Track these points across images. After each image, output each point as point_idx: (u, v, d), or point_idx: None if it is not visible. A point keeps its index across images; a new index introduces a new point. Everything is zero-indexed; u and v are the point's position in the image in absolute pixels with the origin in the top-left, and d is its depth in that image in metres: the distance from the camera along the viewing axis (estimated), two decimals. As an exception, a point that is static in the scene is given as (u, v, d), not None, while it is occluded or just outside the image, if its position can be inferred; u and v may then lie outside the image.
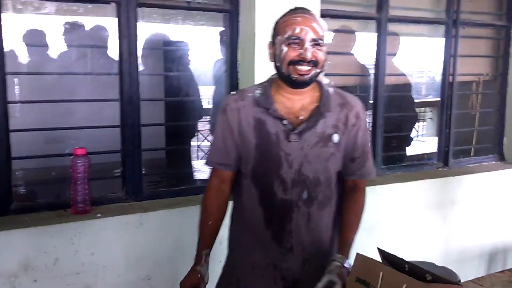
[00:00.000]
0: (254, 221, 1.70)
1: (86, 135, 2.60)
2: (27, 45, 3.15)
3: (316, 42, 1.57)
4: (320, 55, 1.58)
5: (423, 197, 3.19)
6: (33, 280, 2.15)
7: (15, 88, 2.68)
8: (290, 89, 1.64)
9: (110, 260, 2.30)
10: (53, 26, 3.27)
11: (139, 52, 2.45)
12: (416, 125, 4.78)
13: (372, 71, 3.25)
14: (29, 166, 2.52)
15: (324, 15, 2.68)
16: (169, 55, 3.53)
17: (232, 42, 2.66)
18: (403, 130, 3.72)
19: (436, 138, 3.58)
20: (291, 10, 1.64)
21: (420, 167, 3.46)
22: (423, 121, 6.87)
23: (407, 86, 3.83)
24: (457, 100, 3.48)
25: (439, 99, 3.52)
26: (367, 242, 2.78)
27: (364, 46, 3.43)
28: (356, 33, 3.49)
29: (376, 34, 3.12)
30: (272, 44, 1.65)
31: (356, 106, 1.71)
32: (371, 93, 3.25)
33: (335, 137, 1.66)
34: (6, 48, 2.21)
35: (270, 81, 1.71)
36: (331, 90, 1.70)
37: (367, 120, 1.75)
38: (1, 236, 2.10)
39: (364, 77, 3.50)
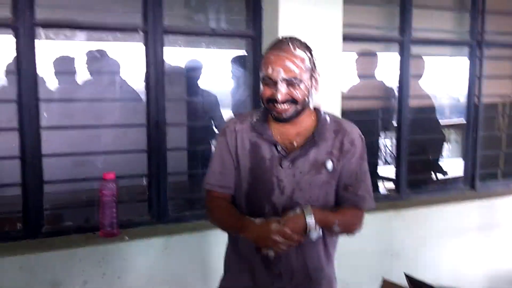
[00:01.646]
0: (245, 245, 1.67)
1: (112, 159, 2.66)
2: (56, 72, 3.25)
3: (290, 82, 1.56)
4: (297, 94, 1.57)
5: (449, 221, 3.14)
6: (62, 302, 2.18)
7: (44, 114, 2.76)
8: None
9: (135, 284, 2.33)
10: (83, 53, 3.38)
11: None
12: (443, 147, 4.72)
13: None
14: (58, 190, 2.57)
15: (346, 38, 2.72)
16: (191, 79, 3.60)
17: (255, 66, 2.70)
18: (429, 153, 3.68)
19: (461, 160, 3.53)
20: (272, 45, 1.63)
21: (446, 191, 3.41)
22: (448, 143, 6.79)
23: (432, 108, 3.81)
24: (483, 122, 3.44)
25: (462, 120, 3.49)
26: (393, 268, 2.78)
27: (389, 68, 3.42)
28: (380, 54, 3.50)
29: (399, 56, 3.12)
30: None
31: (352, 133, 1.70)
32: (395, 116, 3.24)
33: (329, 164, 1.64)
34: (38, 75, 2.29)
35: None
36: (328, 117, 1.70)
37: (364, 148, 1.71)
38: (32, 259, 2.15)
39: (388, 99, 3.49)
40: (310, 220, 1.53)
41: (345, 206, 1.70)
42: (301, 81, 1.57)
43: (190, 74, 3.60)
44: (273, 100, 1.57)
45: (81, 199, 2.69)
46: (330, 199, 1.69)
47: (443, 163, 4.24)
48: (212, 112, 3.62)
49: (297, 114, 1.61)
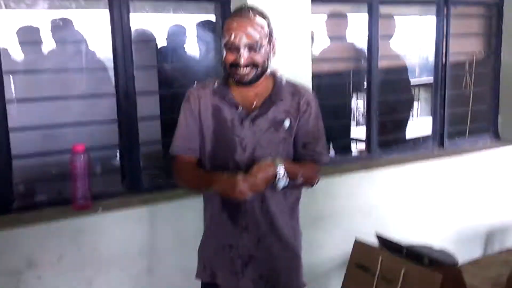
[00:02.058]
0: (212, 204, 1.83)
1: (83, 130, 2.61)
2: (21, 43, 3.13)
3: (252, 47, 1.67)
4: (258, 58, 1.69)
5: (419, 179, 3.22)
6: (37, 277, 2.18)
7: (11, 87, 2.68)
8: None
9: (112, 255, 2.33)
10: (46, 22, 3.26)
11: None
12: (412, 107, 4.79)
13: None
14: (28, 164, 2.53)
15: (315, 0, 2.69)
16: (160, 47, 3.53)
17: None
18: (399, 113, 3.73)
19: (431, 119, 3.59)
20: (233, 13, 1.78)
21: (415, 150, 3.49)
22: (417, 102, 6.89)
23: (403, 69, 3.84)
24: (451, 80, 3.49)
25: (432, 79, 3.53)
26: (364, 228, 2.84)
27: (359, 30, 3.41)
28: (349, 16, 3.48)
29: (368, 16, 3.11)
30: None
31: (307, 95, 1.85)
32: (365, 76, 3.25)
33: (287, 122, 1.78)
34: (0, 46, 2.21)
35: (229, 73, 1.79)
36: (283, 81, 1.83)
37: (318, 108, 1.86)
38: (4, 235, 2.13)
39: (359, 61, 3.50)
40: (281, 168, 1.68)
41: (304, 161, 1.84)
42: (261, 45, 1.69)
43: (170, 40, 3.54)
44: (235, 65, 1.68)
45: (52, 172, 2.66)
46: (289, 156, 1.82)
47: (413, 122, 4.32)
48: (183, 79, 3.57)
49: (258, 77, 1.74)
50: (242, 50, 1.67)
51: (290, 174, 1.71)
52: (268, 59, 1.74)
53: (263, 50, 1.70)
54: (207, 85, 1.84)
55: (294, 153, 1.84)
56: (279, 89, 1.80)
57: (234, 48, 1.68)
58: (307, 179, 1.82)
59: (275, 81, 1.82)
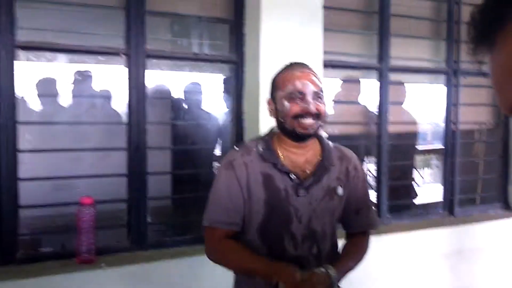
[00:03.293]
0: (264, 281, 1.60)
1: (93, 183, 2.63)
2: (39, 95, 3.22)
3: (317, 95, 1.60)
4: (322, 108, 1.61)
5: (428, 246, 3.16)
6: (36, 330, 2.12)
7: (25, 135, 2.73)
8: (294, 143, 1.65)
9: (113, 311, 2.28)
10: (64, 75, 3.37)
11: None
12: (415, 173, 4.77)
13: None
14: (35, 214, 2.53)
15: (326, 65, 2.76)
16: (176, 103, 3.60)
17: (237, 91, 2.72)
18: (407, 178, 3.72)
19: (441, 186, 3.57)
20: (288, 66, 1.67)
21: (425, 216, 3.44)
22: (429, 168, 6.88)
23: (412, 134, 3.87)
24: (461, 148, 3.50)
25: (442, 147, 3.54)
26: (373, 293, 2.77)
27: (370, 95, 3.47)
28: (362, 81, 3.55)
29: (378, 83, 3.17)
30: (272, 100, 1.67)
31: (353, 158, 1.76)
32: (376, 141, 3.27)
33: (339, 190, 1.69)
34: (18, 96, 2.27)
35: (271, 135, 1.71)
36: (330, 143, 1.74)
37: (365, 172, 1.79)
38: (7, 286, 2.09)
39: (371, 125, 3.53)
40: (335, 277, 1.56)
41: (354, 233, 1.78)
42: (323, 96, 1.63)
43: (185, 97, 3.61)
44: (301, 115, 1.57)
45: (58, 224, 2.65)
46: (336, 224, 1.74)
47: (419, 188, 4.29)
48: (196, 135, 3.62)
49: (318, 131, 1.63)
50: (309, 98, 1.58)
51: (343, 275, 1.64)
52: (326, 113, 1.66)
53: (324, 101, 1.63)
54: (250, 149, 1.68)
55: (346, 221, 1.77)
56: (329, 153, 1.70)
57: (299, 97, 1.58)
58: (359, 262, 1.73)
59: (322, 144, 1.72)
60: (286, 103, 1.59)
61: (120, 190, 2.52)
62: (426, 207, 3.93)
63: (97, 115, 3.22)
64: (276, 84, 1.66)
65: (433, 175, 6.91)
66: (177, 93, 3.78)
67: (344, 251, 1.75)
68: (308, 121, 1.58)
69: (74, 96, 3.33)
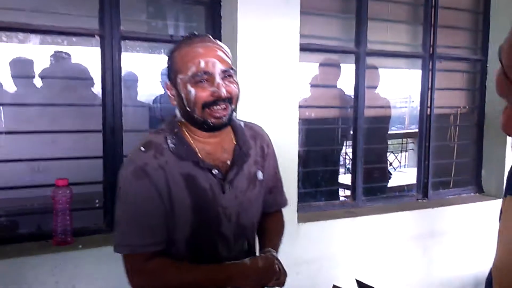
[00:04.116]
0: None
1: (70, 166, 2.62)
2: (13, 76, 3.17)
3: (227, 74, 1.33)
4: (234, 89, 1.35)
5: (402, 228, 3.22)
6: (12, 312, 2.12)
7: (1, 117, 2.70)
8: (206, 132, 1.40)
9: (89, 292, 2.29)
10: (38, 56, 3.32)
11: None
12: (388, 157, 4.86)
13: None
14: (12, 196, 2.51)
15: (303, 49, 2.77)
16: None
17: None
18: (381, 162, 3.78)
19: (416, 170, 3.64)
20: (186, 40, 1.37)
21: (400, 199, 3.51)
22: (406, 152, 6.98)
23: (385, 118, 3.92)
24: (436, 132, 3.56)
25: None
26: (345, 273, 2.83)
27: (347, 79, 3.50)
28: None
29: (355, 67, 3.20)
30: (173, 85, 1.38)
31: (264, 134, 1.59)
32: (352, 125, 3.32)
33: (260, 175, 1.51)
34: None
35: (177, 125, 1.42)
36: (241, 123, 1.53)
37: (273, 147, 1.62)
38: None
39: (348, 109, 3.57)
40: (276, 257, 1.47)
41: (272, 214, 1.65)
42: (235, 72, 1.37)
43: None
44: (211, 103, 1.32)
45: (35, 206, 2.64)
46: (261, 209, 1.57)
47: (394, 171, 4.37)
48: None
49: (231, 117, 1.39)
50: (218, 79, 1.31)
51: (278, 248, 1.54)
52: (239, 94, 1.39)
53: (236, 79, 1.37)
54: (160, 146, 1.36)
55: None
56: (243, 135, 1.48)
57: (206, 80, 1.31)
58: (282, 233, 1.64)
59: (233, 125, 1.47)
60: (191, 89, 1.31)
61: (98, 172, 2.51)
62: (401, 189, 4.01)
63: (72, 97, 3.19)
64: (174, 65, 1.35)
65: (409, 158, 7.02)
66: (155, 76, 3.75)
67: (268, 230, 1.60)
68: (221, 107, 1.32)
69: (48, 78, 3.28)
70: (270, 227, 1.62)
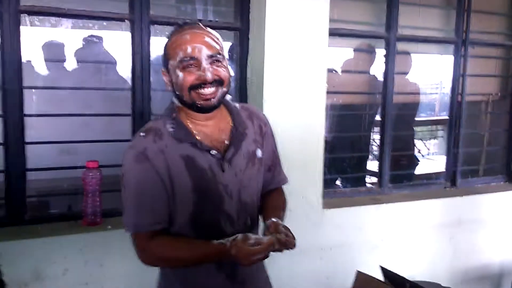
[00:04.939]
0: (201, 269, 1.50)
1: (99, 148, 2.67)
2: (45, 59, 3.24)
3: (215, 58, 1.41)
4: (223, 72, 1.42)
5: (429, 216, 3.19)
6: (42, 289, 2.20)
7: (33, 99, 2.76)
8: (202, 114, 1.48)
9: (118, 272, 2.35)
10: (71, 39, 3.38)
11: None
12: (415, 144, 4.80)
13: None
14: (43, 177, 2.58)
15: (332, 33, 2.74)
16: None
17: (241, 59, 2.71)
18: (409, 149, 3.73)
19: (445, 157, 3.58)
20: (177, 28, 1.46)
21: (427, 186, 3.47)
22: (435, 139, 6.86)
23: (414, 105, 3.86)
24: (466, 119, 3.49)
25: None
26: (370, 260, 2.83)
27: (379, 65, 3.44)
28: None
29: (385, 52, 3.15)
30: (167, 71, 1.47)
31: (260, 114, 1.67)
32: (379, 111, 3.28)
33: (258, 152, 1.58)
34: (24, 60, 2.28)
35: (175, 110, 1.50)
36: (237, 104, 1.61)
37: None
38: (15, 245, 2.16)
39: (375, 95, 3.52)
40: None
41: (272, 190, 1.69)
42: (223, 57, 1.43)
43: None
44: (198, 85, 1.40)
45: (65, 187, 2.71)
46: (260, 186, 1.64)
47: (423, 158, 4.30)
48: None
49: (222, 99, 1.47)
50: (204, 64, 1.39)
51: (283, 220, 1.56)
52: (230, 77, 1.46)
53: (225, 63, 1.44)
54: (159, 131, 1.44)
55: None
56: (239, 116, 1.56)
57: (193, 64, 1.39)
58: (285, 209, 1.67)
59: (229, 108, 1.57)
60: (179, 74, 1.41)
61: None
62: (428, 177, 3.95)
63: (103, 81, 3.24)
64: (167, 52, 1.45)
65: (438, 146, 6.90)
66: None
67: (271, 205, 1.63)
68: (208, 90, 1.40)
69: (80, 62, 3.34)
70: (272, 203, 1.66)
